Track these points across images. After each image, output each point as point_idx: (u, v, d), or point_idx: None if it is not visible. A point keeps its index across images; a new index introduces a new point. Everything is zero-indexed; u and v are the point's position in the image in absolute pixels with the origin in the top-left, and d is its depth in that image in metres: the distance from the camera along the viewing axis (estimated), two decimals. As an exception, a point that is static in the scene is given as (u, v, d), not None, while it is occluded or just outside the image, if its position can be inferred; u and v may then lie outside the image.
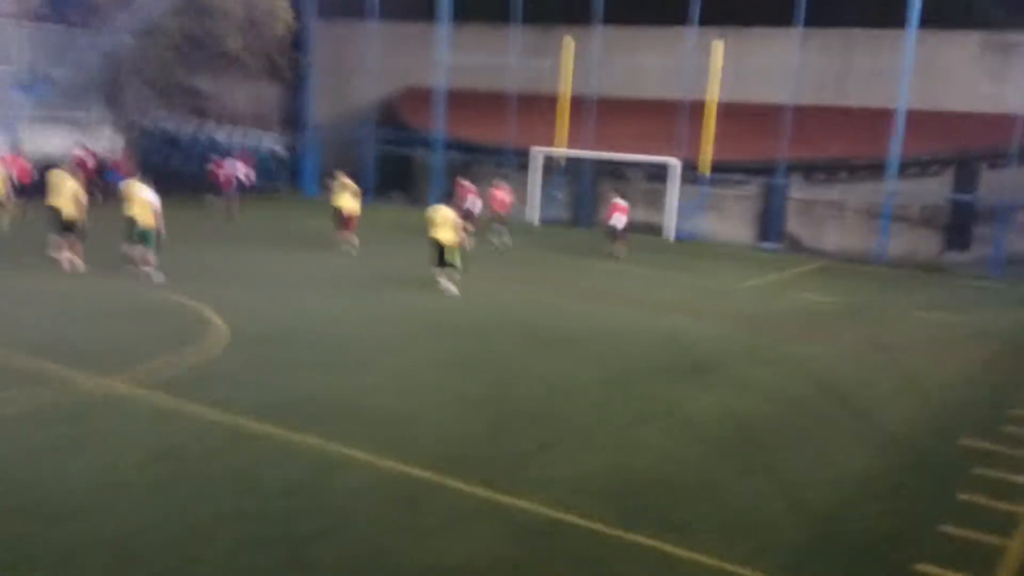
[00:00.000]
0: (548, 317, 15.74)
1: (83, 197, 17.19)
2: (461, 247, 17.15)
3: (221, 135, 35.31)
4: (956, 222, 28.43)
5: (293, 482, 7.85)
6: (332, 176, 22.10)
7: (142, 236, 16.45)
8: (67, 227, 16.92)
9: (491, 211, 24.99)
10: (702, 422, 10.37)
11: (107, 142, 32.64)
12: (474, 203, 24.06)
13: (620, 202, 23.67)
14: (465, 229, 17.76)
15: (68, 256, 16.96)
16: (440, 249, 16.95)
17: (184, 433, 8.85)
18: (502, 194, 25.20)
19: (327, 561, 6.52)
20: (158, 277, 16.36)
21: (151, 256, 16.56)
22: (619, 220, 23.41)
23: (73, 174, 17.59)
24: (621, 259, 23.07)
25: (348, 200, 21.32)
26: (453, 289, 16.97)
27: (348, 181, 21.80)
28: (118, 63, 31.39)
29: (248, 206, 28.25)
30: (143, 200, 16.40)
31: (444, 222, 16.92)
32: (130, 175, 28.11)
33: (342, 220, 21.36)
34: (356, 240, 21.23)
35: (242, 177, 28.63)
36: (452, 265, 16.98)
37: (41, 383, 10.03)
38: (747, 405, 11.19)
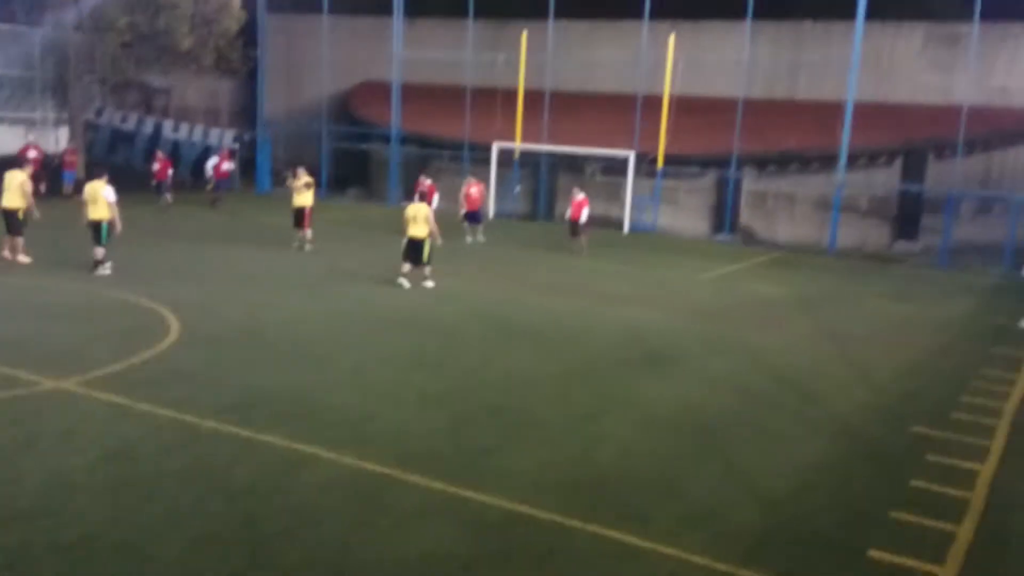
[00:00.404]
0: (508, 312, 15.78)
1: (29, 188, 17.12)
2: (432, 240, 17.09)
3: (171, 131, 34.78)
4: (904, 212, 29.02)
5: (252, 481, 7.79)
6: (293, 173, 21.69)
7: (95, 230, 16.23)
8: (10, 221, 16.82)
9: (463, 208, 24.52)
10: (660, 413, 10.47)
11: (60, 140, 32.08)
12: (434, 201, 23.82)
13: (582, 196, 23.61)
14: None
15: (6, 252, 16.88)
16: (414, 245, 16.90)
17: (138, 433, 8.72)
18: (475, 191, 24.71)
19: (290, 559, 6.48)
20: (105, 271, 16.23)
21: (101, 251, 16.35)
22: (584, 215, 23.37)
23: (20, 167, 17.54)
24: (584, 254, 23.09)
25: (304, 196, 21.00)
26: (431, 284, 17.05)
27: (308, 178, 21.48)
28: (67, 60, 30.80)
29: (199, 203, 27.96)
30: (104, 202, 16.19)
31: (418, 217, 16.87)
32: (73, 168, 27.83)
33: (299, 217, 21.04)
34: (310, 235, 21.00)
35: (223, 170, 28.40)
36: (426, 262, 16.96)
37: (-10, 385, 9.83)
38: (703, 396, 11.33)
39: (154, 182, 27.19)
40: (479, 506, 7.58)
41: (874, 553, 7.18)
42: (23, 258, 16.98)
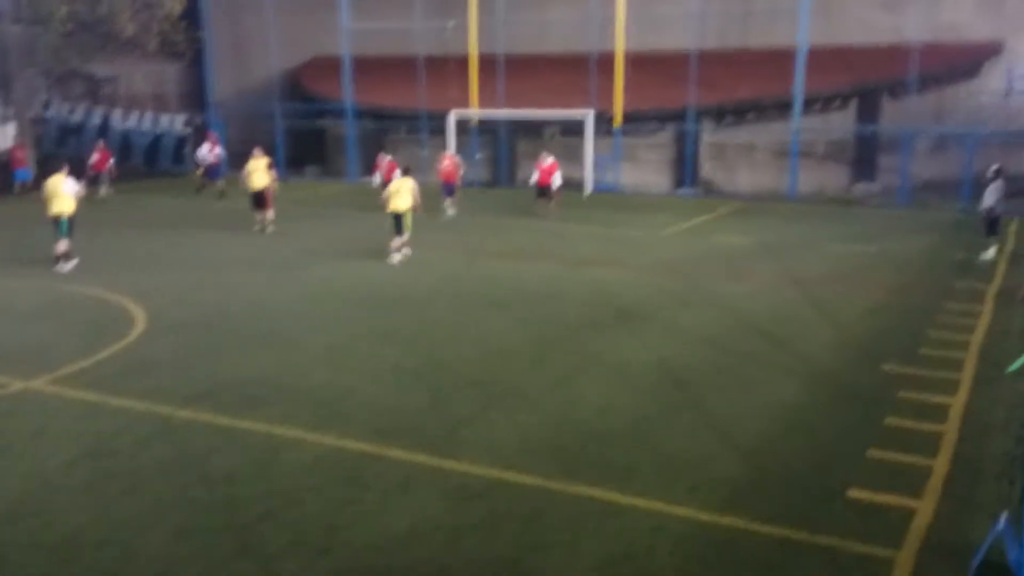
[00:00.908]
0: (476, 280, 15.76)
1: None
2: (415, 212, 17.23)
3: (120, 120, 34.07)
4: (862, 154, 29.25)
5: (233, 468, 7.76)
6: (250, 154, 21.36)
7: (58, 224, 16.01)
8: None
9: (440, 180, 23.77)
10: (633, 370, 10.56)
11: (7, 137, 31.36)
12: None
13: (551, 160, 23.43)
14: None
15: None
16: (396, 217, 17.06)
17: (112, 428, 8.64)
18: (450, 163, 23.88)
19: (276, 543, 6.49)
20: (69, 266, 16.04)
21: (64, 244, 16.12)
22: (557, 179, 23.21)
23: None
24: (556, 216, 22.98)
25: (262, 177, 20.71)
26: (407, 252, 17.33)
27: (263, 157, 21.18)
28: (7, 53, 30.02)
29: (152, 190, 27.48)
30: (66, 196, 16.04)
31: (402, 190, 17.03)
32: (23, 165, 27.19)
33: (259, 199, 20.74)
34: (271, 216, 20.76)
35: (212, 158, 27.68)
36: (406, 230, 17.17)
37: (-44, 391, 9.67)
38: (675, 349, 11.43)
39: (91, 173, 26.37)
40: (462, 476, 7.62)
41: (853, 492, 7.32)
42: None
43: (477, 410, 9.22)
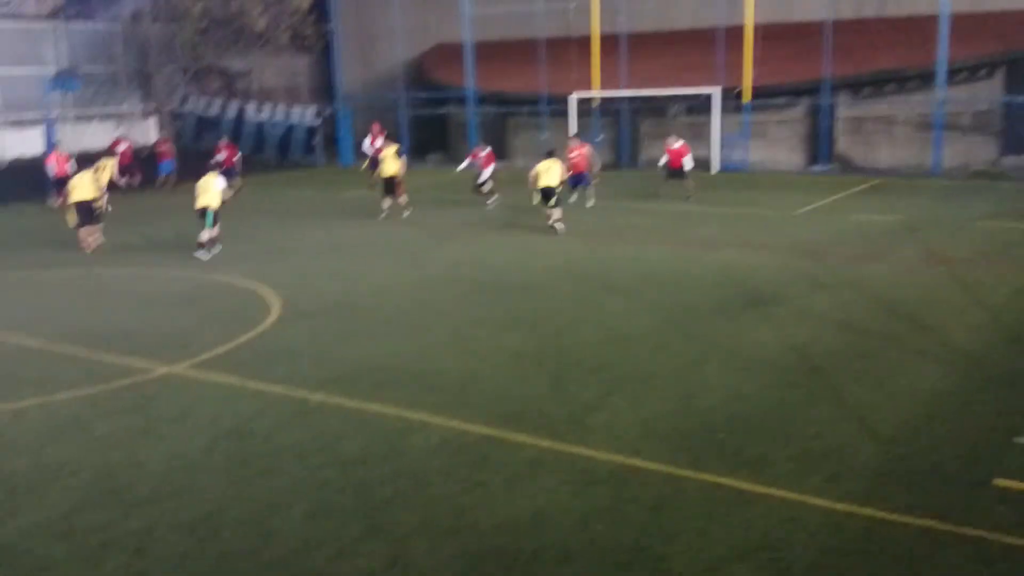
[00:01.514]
0: (598, 265, 15.61)
1: (103, 182, 18.49)
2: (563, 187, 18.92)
3: (254, 113, 35.32)
4: (1010, 126, 27.49)
5: (363, 450, 7.92)
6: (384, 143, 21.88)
7: (203, 216, 16.88)
8: (86, 212, 17.71)
9: (569, 171, 21.71)
10: (764, 356, 10.21)
11: (150, 132, 33.07)
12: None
13: (681, 143, 22.82)
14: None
15: (89, 239, 17.76)
16: (547, 192, 18.43)
17: (250, 411, 8.96)
18: (579, 154, 22.34)
19: (406, 524, 6.57)
20: (209, 254, 16.79)
21: (209, 233, 16.93)
22: (688, 161, 22.70)
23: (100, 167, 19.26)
24: (694, 197, 22.39)
25: (392, 163, 21.11)
26: (562, 225, 18.41)
27: (393, 144, 21.57)
28: (147, 52, 31.63)
29: (284, 182, 28.21)
30: (215, 192, 16.99)
31: (552, 169, 18.46)
32: (169, 158, 28.39)
33: (390, 185, 21.14)
34: (404, 200, 21.11)
35: (372, 151, 27.29)
36: (558, 203, 18.55)
37: (103, 374, 10.21)
38: (809, 334, 11.00)
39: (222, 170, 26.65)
40: (587, 462, 7.54)
41: (1000, 481, 6.90)
42: (95, 240, 17.94)
43: (601, 396, 9.11)
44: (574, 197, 22.28)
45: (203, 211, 16.85)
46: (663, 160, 23.07)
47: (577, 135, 24.94)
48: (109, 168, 20.70)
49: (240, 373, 10.09)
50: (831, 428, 8.10)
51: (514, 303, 13.05)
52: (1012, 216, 18.74)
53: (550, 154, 19.10)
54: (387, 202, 21.12)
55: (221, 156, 26.73)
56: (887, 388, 9.06)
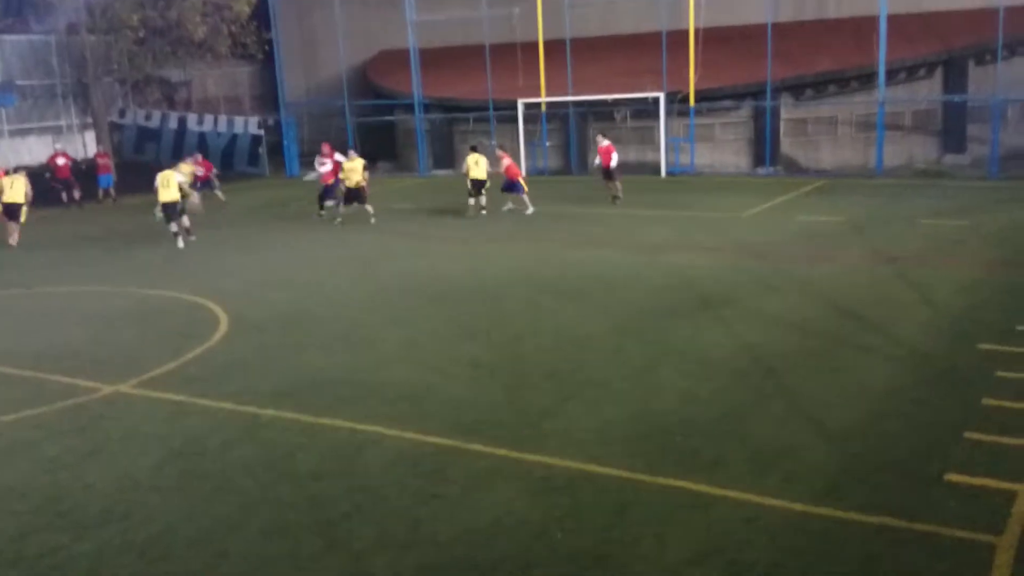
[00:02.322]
0: (551, 271, 15.60)
1: (28, 190, 19.96)
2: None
3: (196, 124, 34.75)
4: (950, 125, 28.15)
5: (318, 465, 7.80)
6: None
7: (171, 209, 18.68)
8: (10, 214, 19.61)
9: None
10: (717, 357, 10.29)
11: (88, 144, 32.38)
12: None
13: (607, 142, 23.13)
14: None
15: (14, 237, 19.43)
16: (477, 184, 21.15)
17: (199, 429, 8.78)
18: (507, 162, 22.23)
19: (363, 540, 6.47)
20: (182, 242, 18.57)
21: (175, 225, 18.79)
22: (614, 160, 22.88)
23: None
24: (621, 199, 22.69)
25: (358, 176, 21.24)
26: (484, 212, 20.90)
27: (359, 159, 21.56)
28: (84, 63, 30.96)
29: (230, 192, 27.82)
30: (175, 187, 18.76)
31: (480, 163, 21.13)
32: (107, 171, 27.79)
33: (355, 195, 21.22)
34: (371, 209, 21.28)
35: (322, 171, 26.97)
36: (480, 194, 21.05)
37: (48, 394, 9.94)
38: (760, 335, 11.11)
39: (198, 185, 26.21)
40: (545, 469, 7.51)
41: (951, 476, 7.01)
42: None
43: (556, 402, 9.10)
44: (508, 205, 22.25)
45: (171, 205, 18.48)
46: (596, 161, 23.31)
47: (501, 145, 25.26)
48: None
49: (189, 390, 9.88)
50: (785, 428, 8.17)
51: (468, 312, 12.98)
52: (954, 214, 19.15)
53: (474, 149, 21.55)
54: (342, 210, 21.22)
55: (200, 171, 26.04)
56: (839, 386, 9.18)
